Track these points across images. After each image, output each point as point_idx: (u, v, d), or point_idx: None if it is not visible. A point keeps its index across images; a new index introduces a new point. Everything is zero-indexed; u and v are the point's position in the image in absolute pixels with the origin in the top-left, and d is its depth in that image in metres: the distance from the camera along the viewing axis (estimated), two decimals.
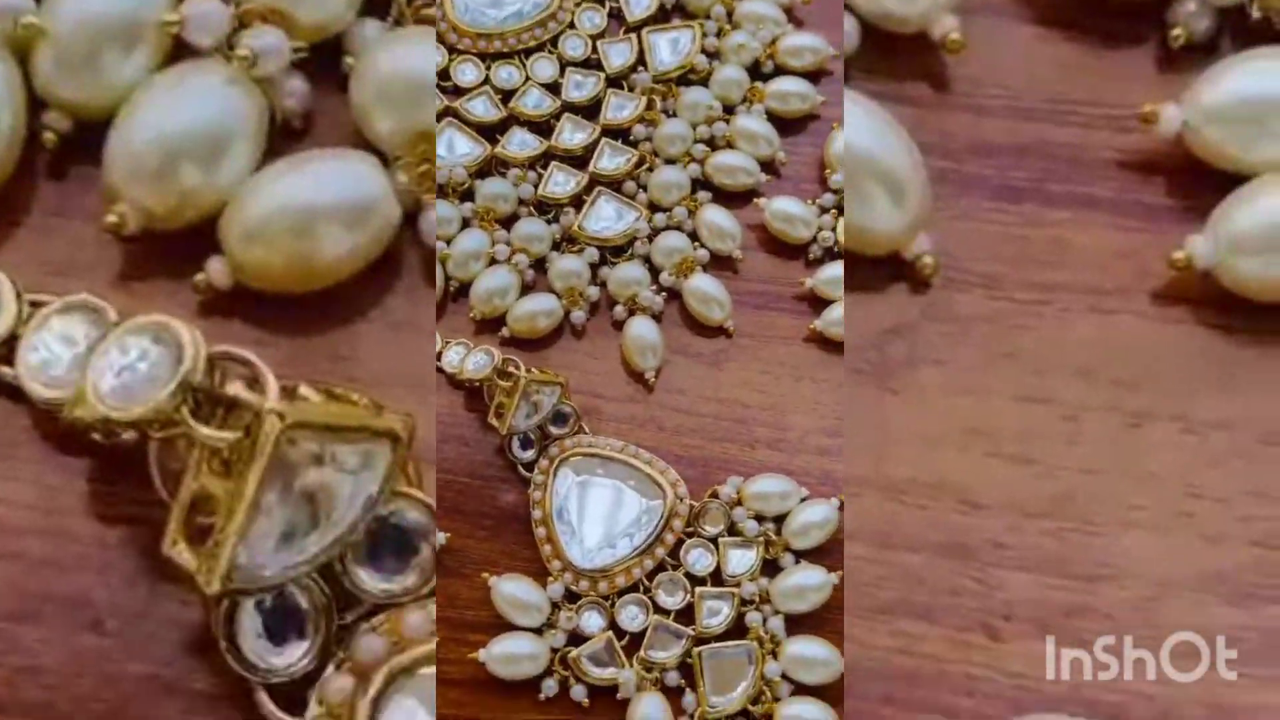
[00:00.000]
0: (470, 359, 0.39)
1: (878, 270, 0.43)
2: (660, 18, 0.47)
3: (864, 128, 0.43)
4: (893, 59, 0.45)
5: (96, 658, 0.37)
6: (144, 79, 0.42)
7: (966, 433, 0.39)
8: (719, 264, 0.44)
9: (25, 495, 0.38)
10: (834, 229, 0.44)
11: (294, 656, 0.35)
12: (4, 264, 0.40)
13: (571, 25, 0.46)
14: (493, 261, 0.41)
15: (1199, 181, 0.42)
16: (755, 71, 0.46)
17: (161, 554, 0.35)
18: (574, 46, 0.45)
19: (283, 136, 0.41)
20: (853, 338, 0.43)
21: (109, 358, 0.35)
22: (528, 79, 0.44)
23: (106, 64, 0.42)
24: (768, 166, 0.45)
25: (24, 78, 0.42)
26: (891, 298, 0.43)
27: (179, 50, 0.42)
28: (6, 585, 0.37)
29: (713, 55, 0.46)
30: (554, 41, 0.45)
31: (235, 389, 0.34)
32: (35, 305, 0.39)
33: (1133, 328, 0.41)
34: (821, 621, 0.37)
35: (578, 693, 0.36)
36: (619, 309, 0.43)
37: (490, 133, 0.44)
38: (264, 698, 0.35)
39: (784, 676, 0.36)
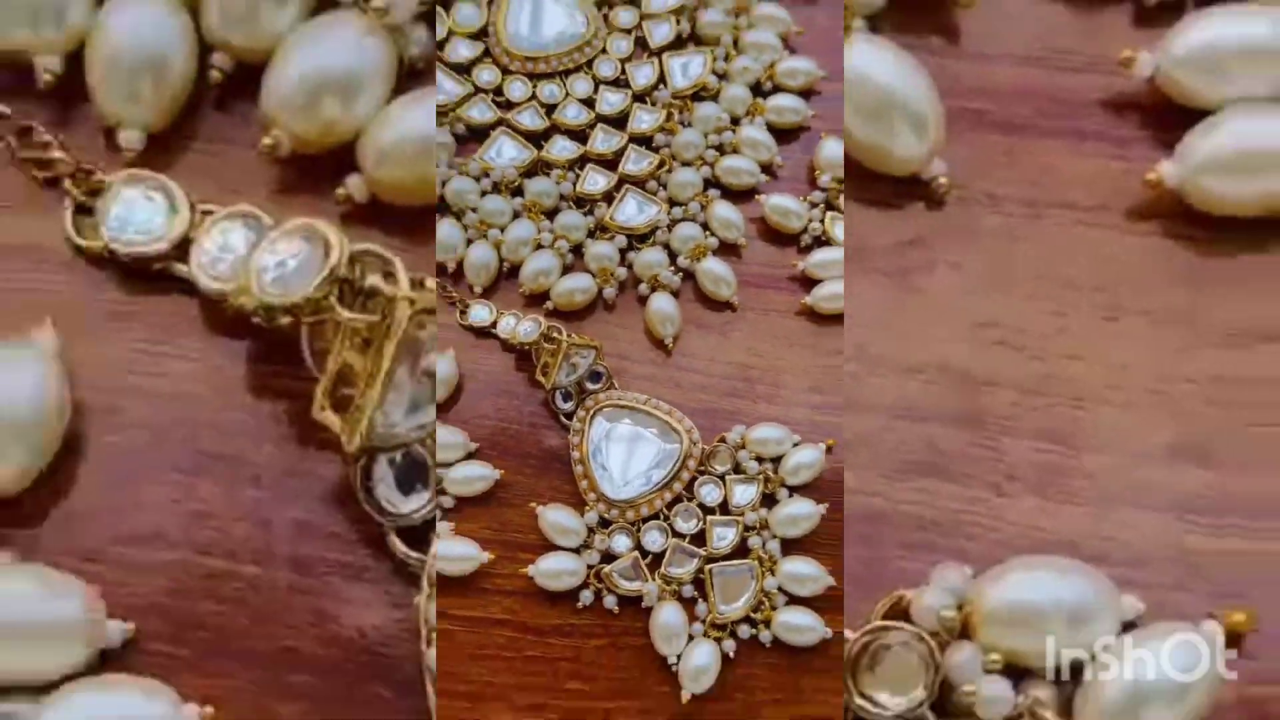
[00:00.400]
0: (520, 326, 0.42)
1: (900, 189, 0.47)
2: (677, 44, 0.50)
3: (892, 70, 0.47)
4: (915, 16, 0.49)
5: (254, 505, 0.40)
6: (294, 28, 0.45)
7: (974, 325, 0.44)
8: (726, 250, 0.47)
9: (197, 372, 0.42)
10: (822, 220, 0.48)
11: (420, 503, 0.39)
12: (179, 180, 0.44)
13: (604, 51, 0.49)
14: (539, 246, 0.44)
15: (1169, 117, 0.47)
16: (757, 89, 0.50)
17: (309, 420, 0.39)
18: (606, 68, 0.48)
19: (408, 76, 0.45)
20: (879, 245, 0.47)
21: (268, 254, 0.39)
22: (567, 95, 0.47)
23: (263, 15, 0.45)
24: (767, 169, 0.48)
25: (195, 27, 0.46)
26: (911, 213, 0.47)
27: (323, 3, 0.46)
28: (184, 445, 0.41)
29: (721, 76, 0.50)
30: (589, 64, 0.48)
31: (373, 280, 0.38)
32: (205, 214, 0.43)
33: (1111, 238, 0.46)
34: (812, 544, 0.41)
35: (609, 602, 0.39)
36: (643, 286, 0.46)
37: (537, 140, 0.47)
38: (395, 539, 0.39)
39: (780, 589, 0.40)
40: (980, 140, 0.48)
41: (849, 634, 0.39)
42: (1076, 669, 0.39)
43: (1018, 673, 0.39)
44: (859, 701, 0.38)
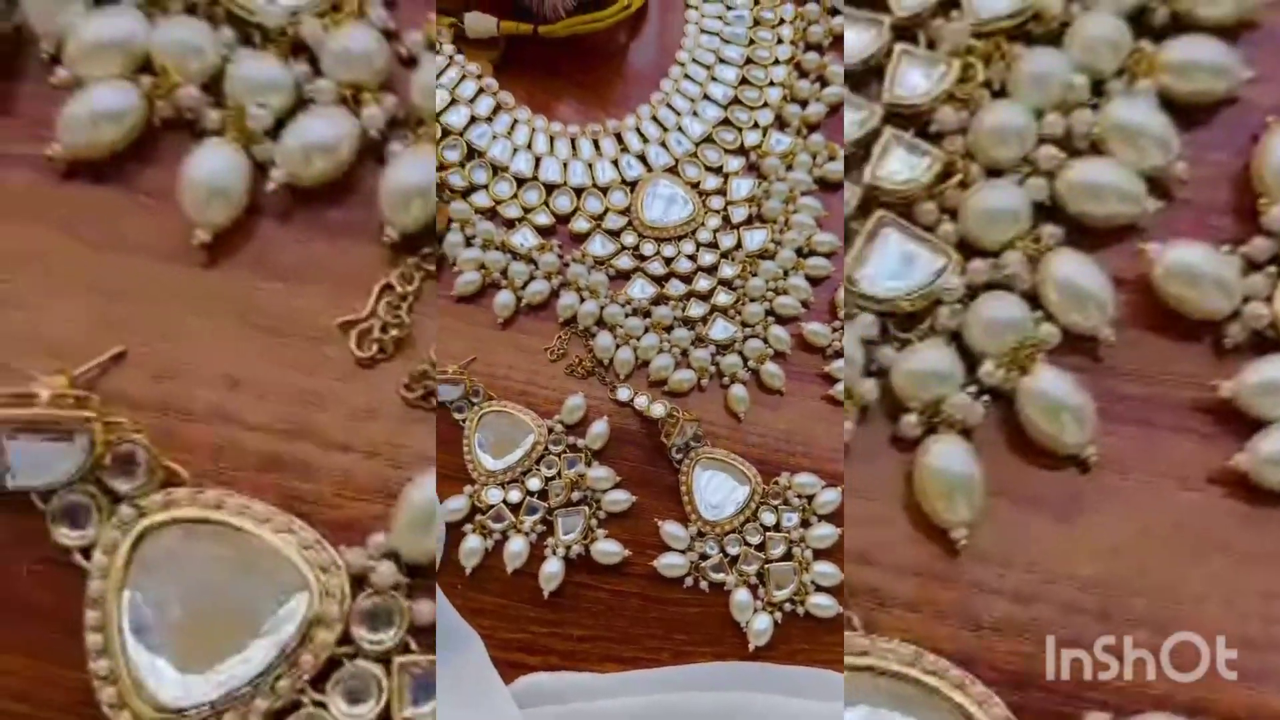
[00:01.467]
0: (654, 406, 0.50)
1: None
2: (749, 222, 0.55)
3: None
4: None
5: None
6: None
7: None
8: (779, 356, 0.51)
9: None
10: (1270, 299, 0.38)
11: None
12: None
13: (702, 224, 0.54)
14: (660, 350, 0.52)
15: (1245, 425, 0.44)
16: (799, 253, 0.53)
17: None
18: (704, 236, 0.54)
19: None
20: None
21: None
22: (679, 252, 0.54)
23: None
24: (805, 305, 0.52)
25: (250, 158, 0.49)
26: None
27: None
28: None
29: (777, 243, 0.53)
30: (693, 233, 0.54)
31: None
32: None
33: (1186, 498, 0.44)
34: (832, 553, 0.48)
35: (703, 585, 0.48)
36: (725, 379, 0.51)
37: (660, 280, 0.53)
38: None
39: (813, 583, 0.48)
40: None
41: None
42: None
43: None
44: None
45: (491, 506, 0.50)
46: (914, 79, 0.43)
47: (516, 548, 0.49)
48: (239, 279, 0.50)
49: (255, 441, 0.47)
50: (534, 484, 0.50)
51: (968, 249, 0.43)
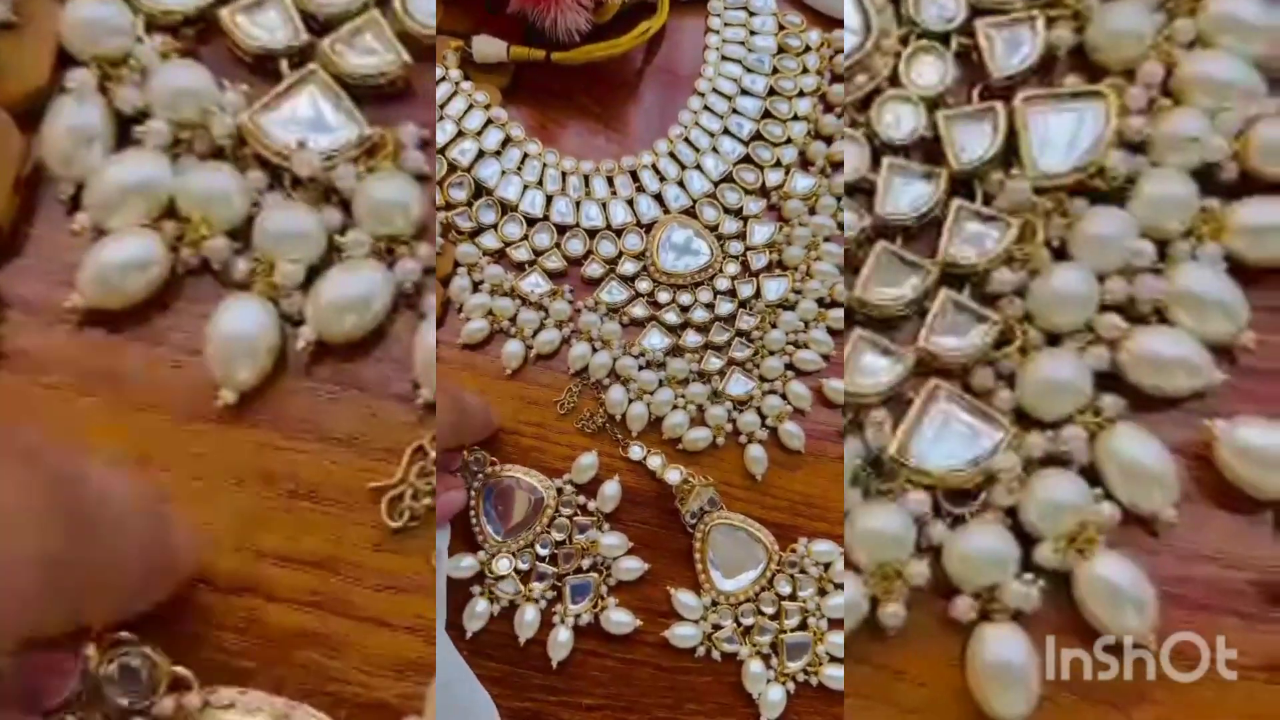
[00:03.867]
0: (668, 473, 0.49)
1: None
2: (769, 269, 0.53)
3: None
4: None
5: None
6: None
7: None
8: (798, 414, 0.50)
9: None
10: None
11: None
12: None
13: (720, 272, 0.52)
14: (675, 407, 0.50)
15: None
16: (821, 303, 0.51)
17: None
18: (722, 284, 0.52)
19: None
20: None
21: None
22: (695, 301, 0.52)
23: None
24: (826, 358, 0.50)
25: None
26: None
27: None
28: None
29: (798, 293, 0.52)
30: (710, 280, 0.52)
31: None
32: None
33: None
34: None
35: (715, 655, 0.47)
36: (742, 438, 0.49)
37: (674, 330, 0.51)
38: None
39: (828, 654, 0.48)
40: None
41: None
42: None
43: None
44: None
45: (502, 576, 0.48)
46: (971, 234, 0.42)
47: (529, 617, 0.48)
48: (264, 439, 0.46)
49: (280, 614, 0.44)
50: (543, 550, 0.49)
51: (1024, 419, 0.42)
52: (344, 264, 0.48)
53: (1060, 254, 0.44)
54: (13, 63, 0.49)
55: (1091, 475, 0.43)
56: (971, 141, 0.46)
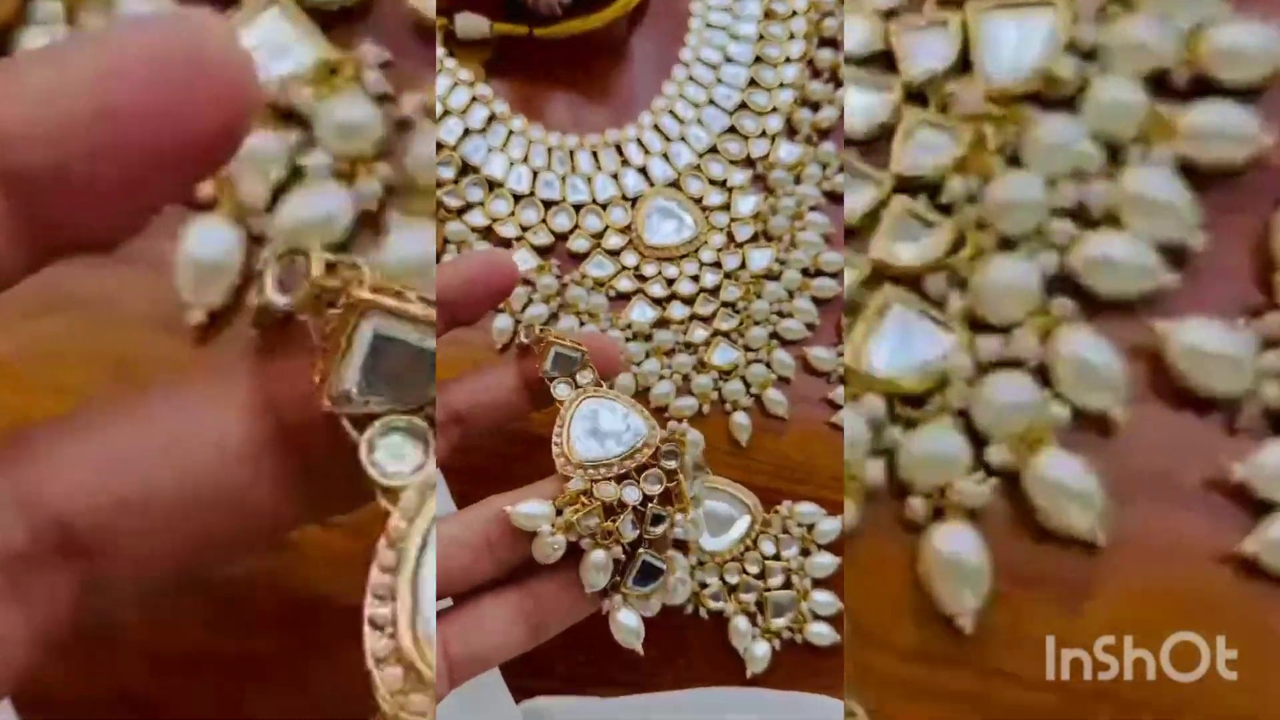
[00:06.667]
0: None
1: None
2: (754, 240, 0.51)
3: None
4: None
5: None
6: None
7: None
8: (782, 382, 0.49)
9: None
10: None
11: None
12: None
13: (705, 244, 0.52)
14: (661, 377, 0.49)
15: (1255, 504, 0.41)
16: (805, 273, 0.50)
17: None
18: (707, 256, 0.51)
19: None
20: None
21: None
22: (681, 273, 0.51)
23: None
24: (810, 328, 0.49)
25: None
26: None
27: None
28: None
29: (783, 263, 0.50)
30: (696, 252, 0.51)
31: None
32: None
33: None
34: (831, 582, 0.47)
35: (703, 613, 0.47)
36: (728, 405, 0.48)
37: (660, 303, 0.50)
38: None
39: (811, 611, 0.47)
40: None
41: None
42: None
43: None
44: None
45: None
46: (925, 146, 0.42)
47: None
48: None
49: None
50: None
51: (978, 323, 0.42)
52: (306, 184, 0.49)
53: (1013, 161, 0.43)
54: None
55: (1042, 376, 0.42)
56: (924, 52, 0.46)
